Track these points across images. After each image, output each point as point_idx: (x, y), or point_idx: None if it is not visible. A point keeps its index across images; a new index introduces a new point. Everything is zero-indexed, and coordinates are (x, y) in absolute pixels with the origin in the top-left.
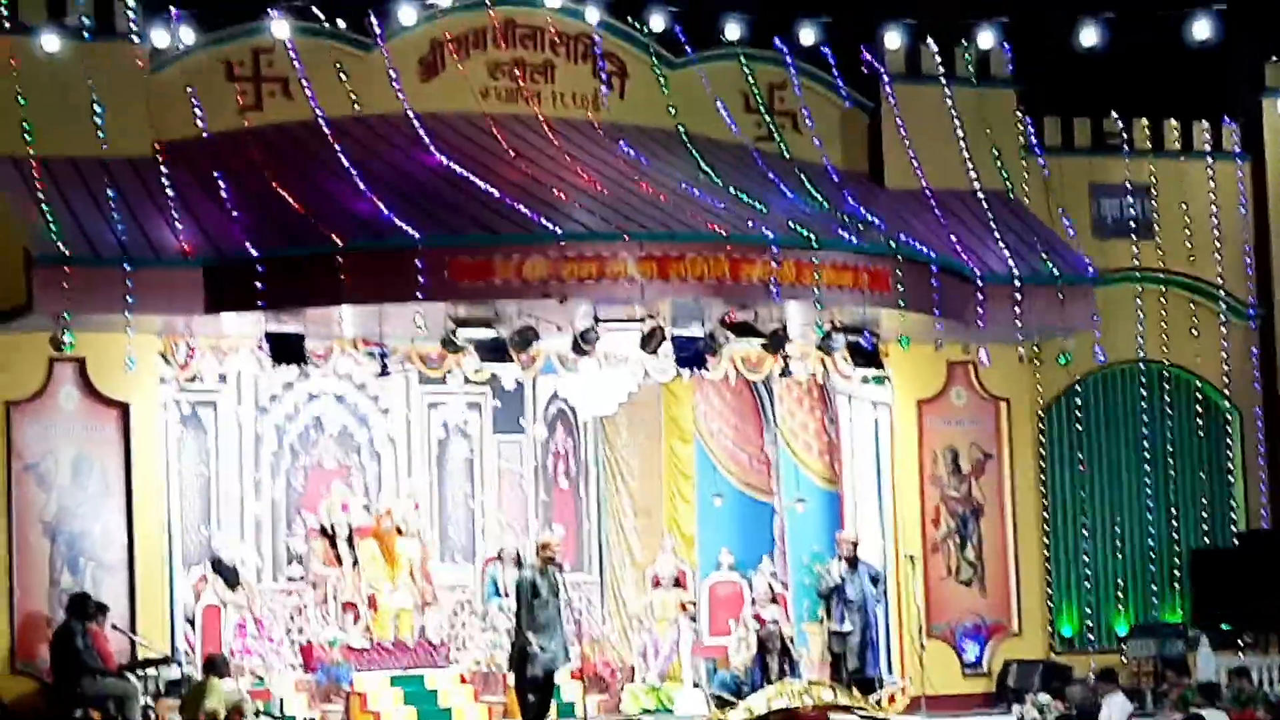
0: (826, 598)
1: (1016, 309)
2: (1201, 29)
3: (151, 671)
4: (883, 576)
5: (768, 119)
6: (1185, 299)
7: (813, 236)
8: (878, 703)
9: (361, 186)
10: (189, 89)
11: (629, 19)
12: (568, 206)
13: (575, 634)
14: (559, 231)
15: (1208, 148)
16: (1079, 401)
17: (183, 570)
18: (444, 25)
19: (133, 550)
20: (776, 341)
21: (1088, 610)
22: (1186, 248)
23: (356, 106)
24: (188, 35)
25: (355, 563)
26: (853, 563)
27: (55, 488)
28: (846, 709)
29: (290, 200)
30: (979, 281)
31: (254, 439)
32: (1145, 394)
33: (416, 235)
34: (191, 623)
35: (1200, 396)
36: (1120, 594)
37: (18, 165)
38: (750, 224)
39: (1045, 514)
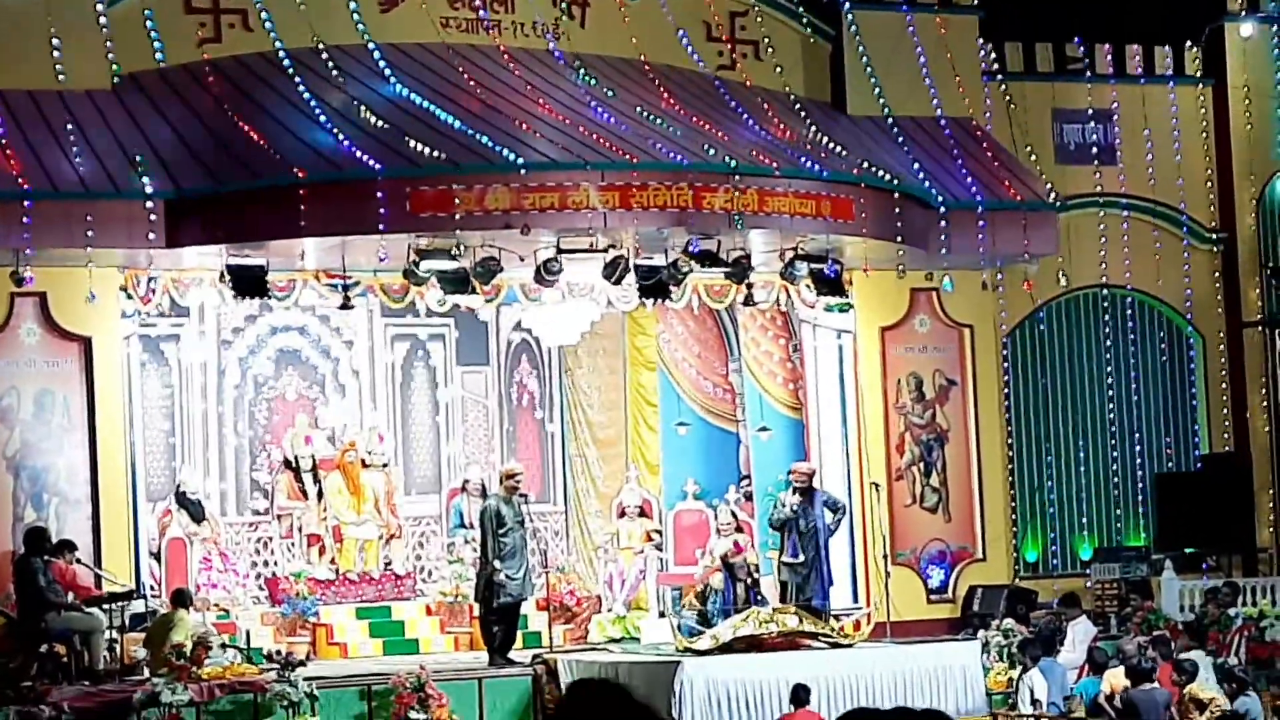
0: (780, 529)
1: (979, 235)
2: None
3: (117, 605)
4: (843, 505)
5: (729, 48)
6: (1148, 224)
7: (775, 165)
8: (842, 629)
9: (322, 118)
10: (147, 21)
11: None
12: (529, 136)
13: (540, 564)
14: (520, 161)
15: (1170, 72)
16: (1042, 328)
17: (147, 504)
18: None
19: (96, 485)
20: (739, 270)
21: (1052, 535)
22: (1149, 173)
23: (316, 38)
24: None
25: (320, 495)
26: (806, 493)
27: (18, 423)
28: (811, 635)
29: (250, 133)
30: (942, 208)
31: (217, 372)
32: (1108, 319)
33: (377, 166)
34: (157, 556)
35: (1163, 321)
36: (1084, 518)
37: None
38: (712, 152)
39: (1009, 440)
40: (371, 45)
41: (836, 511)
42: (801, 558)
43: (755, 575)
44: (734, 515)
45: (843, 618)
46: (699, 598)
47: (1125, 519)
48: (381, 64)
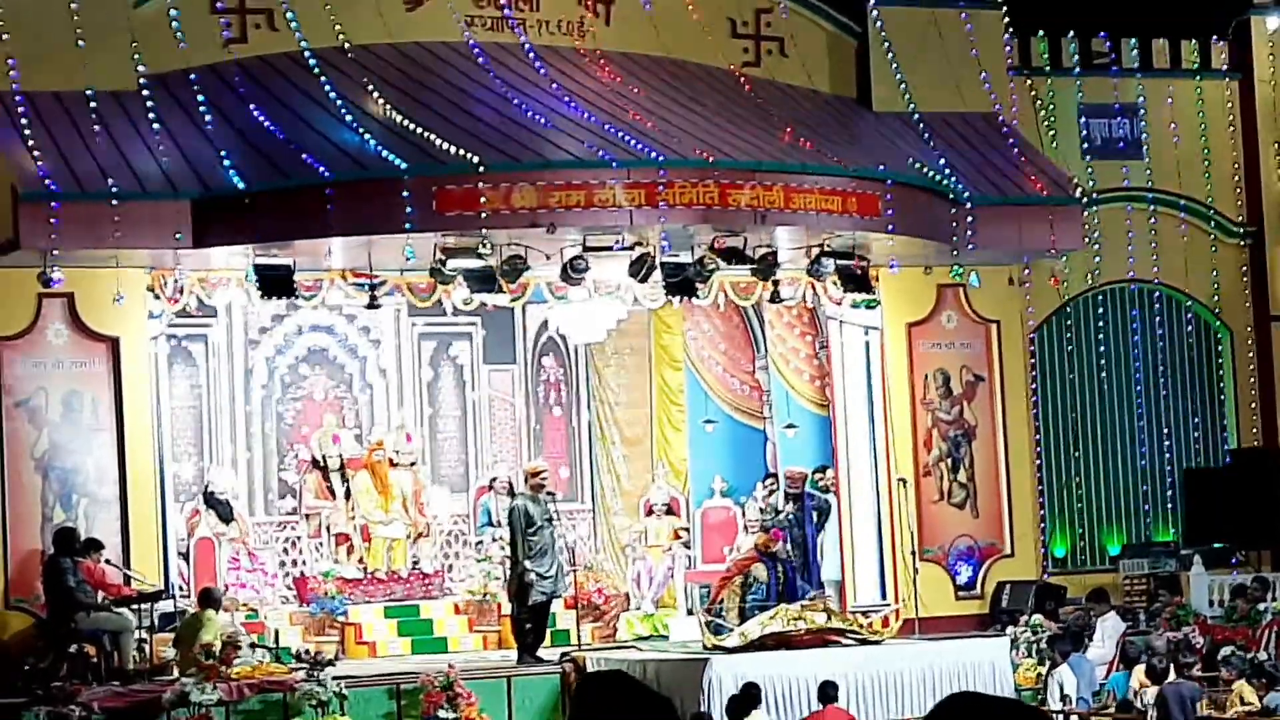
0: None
1: (1006, 231)
2: None
3: (146, 605)
4: (829, 508)
5: (754, 44)
6: (1175, 218)
7: (801, 161)
8: (870, 626)
9: (348, 118)
10: (173, 22)
11: None
12: (554, 134)
13: (569, 562)
14: (547, 160)
15: (1196, 66)
16: (1069, 323)
17: (175, 504)
18: None
19: (125, 485)
20: (766, 267)
21: (1080, 531)
22: (1176, 167)
23: (341, 37)
24: None
25: (348, 495)
26: (798, 499)
27: (46, 424)
28: (840, 632)
29: (276, 133)
30: (968, 204)
31: (244, 372)
32: (1136, 314)
33: (403, 166)
34: (185, 556)
35: (1191, 316)
36: (1112, 514)
37: (2, 101)
38: (738, 149)
39: (1037, 435)
40: (397, 44)
41: (822, 514)
42: (798, 564)
43: (795, 564)
44: (761, 512)
45: (871, 614)
46: (741, 588)
47: (1154, 514)
48: (407, 63)
